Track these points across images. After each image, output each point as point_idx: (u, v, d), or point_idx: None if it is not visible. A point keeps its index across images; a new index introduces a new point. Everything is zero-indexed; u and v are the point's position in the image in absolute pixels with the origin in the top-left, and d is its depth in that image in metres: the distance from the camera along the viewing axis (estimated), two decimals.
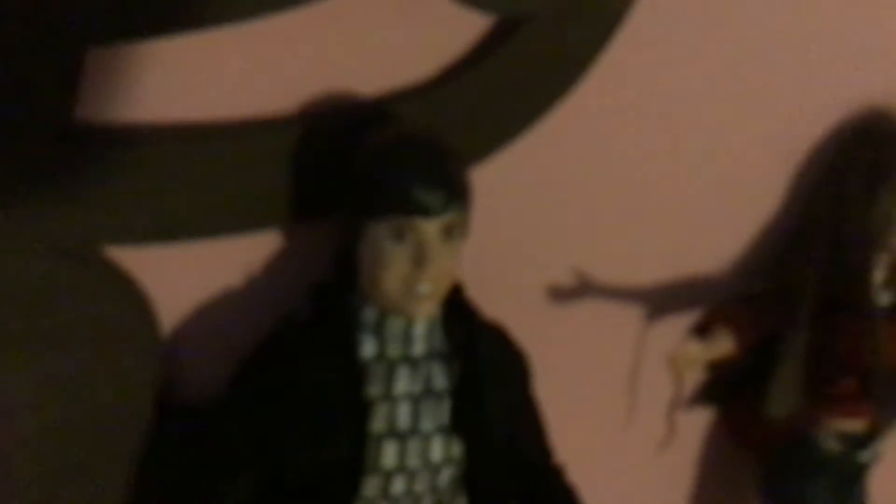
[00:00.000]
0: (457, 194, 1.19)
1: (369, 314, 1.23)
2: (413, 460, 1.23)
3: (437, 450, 1.24)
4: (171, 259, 1.25)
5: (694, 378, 1.65)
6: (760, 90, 1.54)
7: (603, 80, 1.39)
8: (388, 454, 1.22)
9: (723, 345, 1.54)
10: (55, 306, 1.20)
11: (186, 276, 1.28)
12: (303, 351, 1.23)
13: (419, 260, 1.17)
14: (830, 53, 1.56)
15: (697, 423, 1.71)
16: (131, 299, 1.24)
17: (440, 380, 1.24)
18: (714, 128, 1.53)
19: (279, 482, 1.22)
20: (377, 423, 1.21)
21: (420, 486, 1.24)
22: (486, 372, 1.26)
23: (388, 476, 1.22)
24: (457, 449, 1.25)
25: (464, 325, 1.27)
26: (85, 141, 1.17)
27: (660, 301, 1.58)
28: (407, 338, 1.23)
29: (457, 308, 1.26)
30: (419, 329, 1.23)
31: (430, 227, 1.17)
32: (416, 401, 1.23)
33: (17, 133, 1.12)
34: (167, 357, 1.28)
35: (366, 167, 1.20)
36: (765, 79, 1.54)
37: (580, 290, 1.52)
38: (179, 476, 1.26)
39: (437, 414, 1.24)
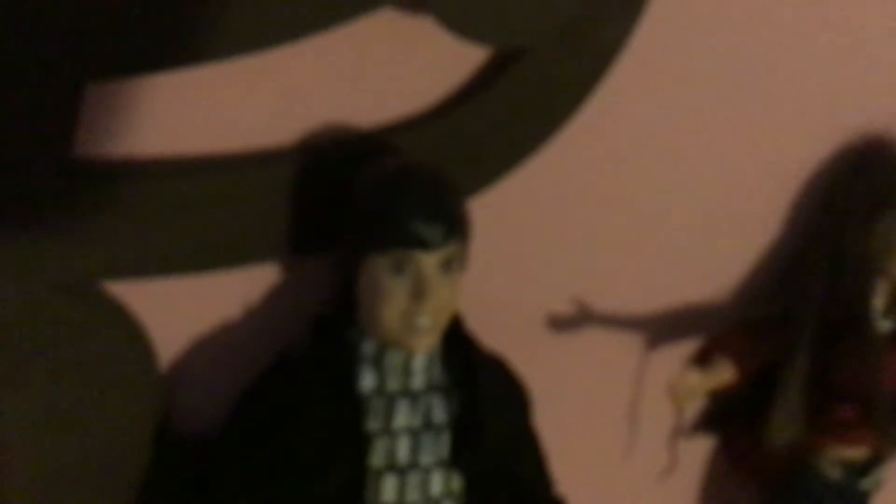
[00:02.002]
0: (456, 227, 1.19)
1: (368, 347, 1.23)
2: (413, 495, 1.22)
3: (436, 484, 1.23)
4: (170, 293, 1.24)
5: (694, 407, 1.64)
6: (760, 117, 1.54)
7: (601, 110, 1.39)
8: (388, 489, 1.21)
9: (723, 374, 1.53)
10: (53, 341, 1.20)
11: (185, 310, 1.27)
12: (301, 384, 1.22)
13: (418, 293, 1.17)
14: (830, 80, 1.57)
15: (698, 451, 1.70)
16: (130, 334, 1.23)
17: (440, 413, 1.24)
18: (712, 156, 1.54)
19: None
20: (377, 458, 1.21)
21: None
22: (485, 405, 1.25)
23: None
24: (456, 483, 1.24)
25: (463, 358, 1.26)
26: (83, 176, 1.17)
27: (660, 330, 1.58)
28: (406, 371, 1.22)
29: (456, 341, 1.26)
30: (419, 362, 1.22)
31: (429, 261, 1.17)
32: (415, 434, 1.22)
33: (15, 168, 1.12)
34: (166, 391, 1.28)
35: (364, 200, 1.20)
36: (764, 106, 1.54)
37: (580, 319, 1.52)
38: None
39: (436, 448, 1.23)
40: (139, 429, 1.26)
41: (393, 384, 1.22)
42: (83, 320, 1.20)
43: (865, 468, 1.61)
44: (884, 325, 1.56)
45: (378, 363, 1.22)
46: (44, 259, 1.17)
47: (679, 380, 1.50)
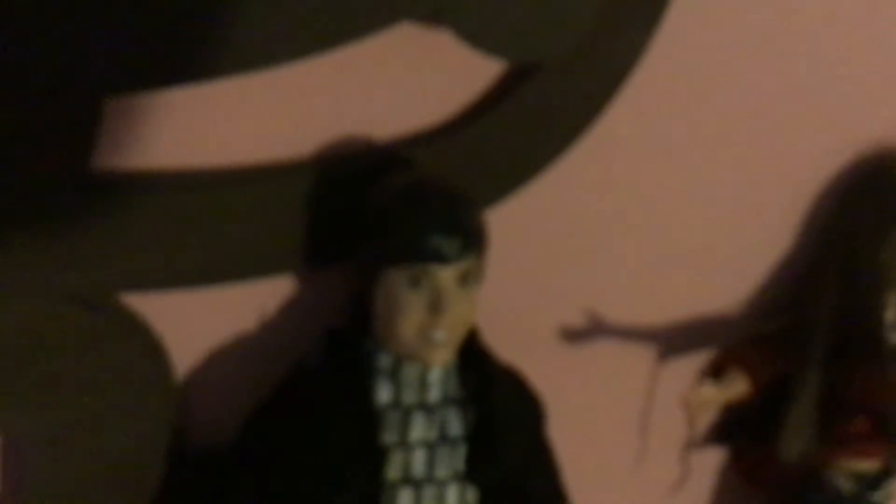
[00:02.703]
0: (472, 241, 1.19)
1: (384, 360, 1.22)
2: None
3: (452, 497, 1.23)
4: (186, 306, 1.24)
5: (707, 419, 1.64)
6: (772, 130, 1.54)
7: (616, 124, 1.39)
8: (404, 502, 1.21)
9: (737, 386, 1.53)
10: (69, 353, 1.20)
11: (200, 322, 1.27)
12: (317, 397, 1.22)
13: (435, 307, 1.17)
14: (844, 92, 1.57)
15: (709, 463, 1.70)
16: (145, 346, 1.23)
17: (455, 426, 1.24)
18: (726, 169, 1.54)
19: None
20: (392, 471, 1.21)
21: None
22: (501, 418, 1.25)
23: None
24: (472, 496, 1.24)
25: (479, 372, 1.26)
26: (101, 189, 1.17)
27: (672, 342, 1.58)
28: (422, 384, 1.22)
29: (472, 354, 1.26)
30: (435, 375, 1.22)
31: (446, 275, 1.17)
32: (431, 448, 1.22)
33: (34, 181, 1.12)
34: (181, 404, 1.28)
35: (380, 214, 1.20)
36: (776, 119, 1.54)
37: (593, 331, 1.52)
38: None
39: (452, 461, 1.23)
40: (154, 441, 1.26)
41: (409, 397, 1.22)
42: (99, 332, 1.20)
43: (877, 481, 1.61)
44: (895, 339, 1.55)
45: (394, 376, 1.22)
46: (61, 271, 1.17)
47: (693, 392, 1.50)
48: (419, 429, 1.22)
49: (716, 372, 1.58)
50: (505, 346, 1.32)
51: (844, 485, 1.60)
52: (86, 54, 1.08)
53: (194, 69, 1.13)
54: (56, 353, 1.19)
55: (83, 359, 1.20)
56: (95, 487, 1.25)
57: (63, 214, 1.15)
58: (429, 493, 1.22)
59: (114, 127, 1.16)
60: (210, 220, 1.22)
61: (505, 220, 1.34)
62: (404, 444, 1.21)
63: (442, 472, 1.22)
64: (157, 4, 1.08)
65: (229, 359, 1.30)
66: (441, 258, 1.16)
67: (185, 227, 1.21)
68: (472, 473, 1.23)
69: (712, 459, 1.70)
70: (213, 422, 1.30)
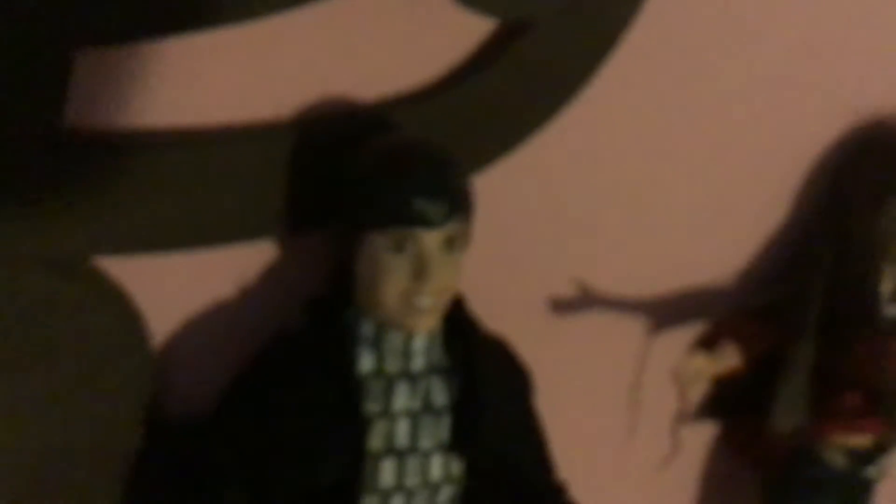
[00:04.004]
0: (459, 205, 1.16)
1: (367, 328, 1.20)
2: (412, 479, 1.20)
3: (436, 468, 1.21)
4: (162, 270, 1.21)
5: (698, 392, 1.63)
6: (765, 99, 1.52)
7: (606, 88, 1.36)
8: (387, 473, 1.19)
9: (729, 358, 1.52)
10: (42, 319, 1.16)
11: (178, 287, 1.24)
12: (298, 366, 1.20)
13: (419, 273, 1.14)
14: (836, 64, 1.54)
15: (700, 438, 1.68)
16: (121, 311, 1.20)
17: (440, 396, 1.21)
18: (718, 138, 1.51)
19: (273, 502, 1.19)
20: (375, 441, 1.18)
21: None
22: (486, 388, 1.23)
23: (386, 495, 1.19)
24: (456, 467, 1.22)
25: (464, 340, 1.23)
26: (74, 148, 1.13)
27: (664, 313, 1.56)
28: (406, 352, 1.20)
29: (457, 322, 1.23)
30: (419, 343, 1.20)
31: (431, 239, 1.14)
32: (414, 417, 1.20)
33: (3, 140, 1.09)
34: (157, 371, 1.25)
35: (364, 177, 1.17)
36: (770, 88, 1.52)
37: (583, 302, 1.50)
38: (169, 495, 1.23)
39: (436, 431, 1.21)
40: (130, 409, 1.23)
41: (392, 366, 1.20)
42: (73, 297, 1.17)
43: (870, 456, 1.60)
44: (890, 311, 1.54)
45: (377, 344, 1.19)
46: (32, 234, 1.13)
47: (684, 363, 1.50)
48: (402, 398, 1.19)
49: (708, 344, 1.56)
50: (492, 317, 1.30)
51: (837, 460, 1.59)
52: (56, 4, 1.04)
53: (171, 21, 1.09)
54: (29, 320, 1.16)
55: (57, 325, 1.17)
56: (71, 456, 1.22)
57: (34, 175, 1.11)
58: (412, 463, 1.20)
59: (86, 82, 1.12)
60: (187, 183, 1.19)
61: (493, 185, 1.31)
62: (387, 414, 1.19)
63: (426, 442, 1.20)
64: None
65: (208, 326, 1.27)
66: (426, 222, 1.13)
67: (161, 190, 1.18)
68: (456, 444, 1.21)
69: (704, 434, 1.68)
70: (192, 390, 1.28)
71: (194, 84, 1.18)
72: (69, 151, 1.13)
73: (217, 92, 1.20)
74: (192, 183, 1.19)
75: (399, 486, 1.19)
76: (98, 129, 1.16)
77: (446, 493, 1.22)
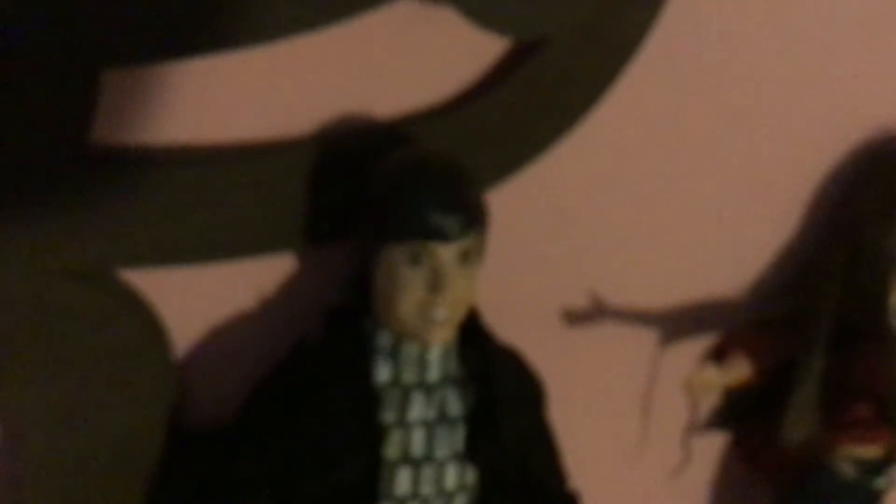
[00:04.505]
0: (474, 219, 1.18)
1: (384, 339, 1.22)
2: (427, 488, 1.22)
3: (451, 477, 1.23)
4: (185, 282, 1.24)
5: (709, 403, 1.64)
6: (777, 112, 1.53)
7: (621, 103, 1.38)
8: (402, 481, 1.21)
9: (740, 370, 1.52)
10: (67, 330, 1.19)
11: (200, 299, 1.27)
12: (316, 376, 1.22)
13: (435, 285, 1.16)
14: (850, 75, 1.55)
15: (711, 448, 1.69)
16: (144, 323, 1.23)
17: (455, 406, 1.23)
18: (731, 151, 1.52)
19: None
20: (391, 450, 1.20)
21: None
22: (501, 398, 1.24)
23: (402, 503, 1.21)
24: (471, 476, 1.24)
25: (479, 351, 1.25)
26: (100, 163, 1.16)
27: (675, 325, 1.57)
28: (422, 363, 1.22)
29: (472, 333, 1.25)
30: (434, 354, 1.22)
31: (446, 252, 1.16)
32: (430, 427, 1.22)
33: (32, 154, 1.12)
34: (180, 381, 1.27)
35: (381, 190, 1.19)
36: (782, 100, 1.53)
37: (595, 313, 1.51)
38: (191, 502, 1.25)
39: (451, 441, 1.23)
40: (152, 419, 1.25)
41: (408, 376, 1.22)
42: (97, 308, 1.20)
43: (880, 467, 1.60)
44: None
45: (393, 355, 1.21)
46: (58, 247, 1.16)
47: (696, 375, 1.50)
48: (418, 408, 1.21)
49: (718, 356, 1.57)
50: (506, 328, 1.32)
51: (847, 471, 1.59)
52: (85, 24, 1.07)
53: (194, 42, 1.12)
54: (53, 331, 1.18)
55: (81, 336, 1.20)
56: (93, 466, 1.24)
57: (60, 189, 1.14)
58: (428, 472, 1.21)
59: (112, 100, 1.15)
60: (210, 196, 1.21)
61: (508, 200, 1.33)
62: (403, 423, 1.21)
63: (441, 451, 1.22)
64: None
65: (229, 336, 1.30)
66: (442, 236, 1.15)
67: (184, 203, 1.20)
68: (471, 453, 1.23)
69: (714, 444, 1.69)
70: (213, 400, 1.30)
71: (217, 101, 1.21)
72: (95, 167, 1.16)
73: (239, 109, 1.23)
74: (214, 197, 1.21)
75: (415, 495, 1.21)
76: (123, 145, 1.19)
77: (461, 501, 1.24)
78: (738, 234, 1.58)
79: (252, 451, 1.22)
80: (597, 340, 1.53)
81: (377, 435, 1.20)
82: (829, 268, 1.55)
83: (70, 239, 1.16)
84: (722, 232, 1.57)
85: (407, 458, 1.21)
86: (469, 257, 1.18)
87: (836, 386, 1.54)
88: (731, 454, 1.71)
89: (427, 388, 1.22)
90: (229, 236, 1.23)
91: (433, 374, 1.22)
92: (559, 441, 1.37)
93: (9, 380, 1.19)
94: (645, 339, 1.57)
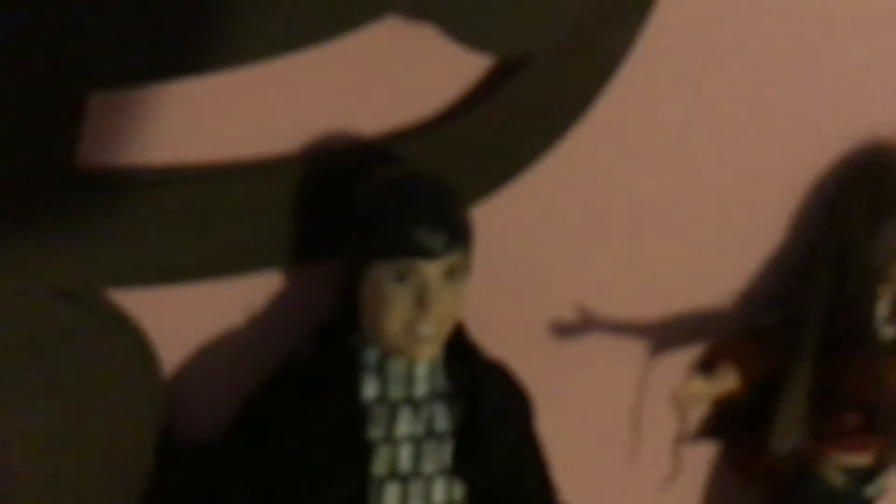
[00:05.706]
0: (459, 236, 1.19)
1: (371, 355, 1.23)
2: (415, 503, 1.22)
3: (439, 492, 1.23)
4: (173, 301, 1.25)
5: (698, 413, 1.64)
6: (763, 123, 1.54)
7: (604, 118, 1.39)
8: (390, 497, 1.21)
9: (727, 380, 1.53)
10: (56, 349, 1.20)
11: (188, 317, 1.28)
12: (304, 392, 1.23)
13: (421, 302, 1.17)
14: (835, 86, 1.56)
15: (702, 458, 1.70)
16: (133, 342, 1.24)
17: (442, 421, 1.24)
18: (716, 163, 1.53)
19: None
20: (379, 466, 1.21)
21: None
22: (488, 413, 1.25)
23: None
24: (459, 491, 1.24)
25: (466, 366, 1.26)
26: (87, 185, 1.17)
27: (663, 336, 1.58)
28: (409, 379, 1.22)
29: (459, 348, 1.26)
30: (421, 370, 1.23)
31: (432, 269, 1.17)
32: (417, 443, 1.22)
33: (19, 177, 1.12)
34: (169, 399, 1.28)
35: (367, 208, 1.20)
36: (767, 112, 1.54)
37: (583, 326, 1.52)
38: None
39: (439, 456, 1.23)
40: (142, 436, 1.26)
41: (395, 392, 1.22)
42: (86, 328, 1.21)
43: (869, 475, 1.61)
44: (888, 332, 1.55)
45: (380, 371, 1.22)
46: (47, 266, 1.17)
47: (683, 386, 1.50)
48: (406, 424, 1.22)
49: (706, 366, 1.57)
50: (494, 342, 1.32)
51: (836, 479, 1.60)
52: (71, 48, 1.07)
53: (181, 64, 1.13)
54: (42, 349, 1.19)
55: (69, 354, 1.20)
56: (84, 483, 1.25)
57: (48, 210, 1.15)
58: (416, 487, 1.22)
59: (99, 122, 1.16)
60: (198, 216, 1.22)
61: (493, 215, 1.34)
62: (391, 439, 1.22)
63: (429, 466, 1.23)
64: None
65: (217, 354, 1.30)
66: (427, 253, 1.16)
67: (172, 223, 1.21)
68: (459, 468, 1.23)
69: (705, 453, 1.70)
70: (201, 417, 1.31)
71: (203, 122, 1.22)
72: (82, 188, 1.16)
73: (224, 129, 1.23)
74: (202, 217, 1.22)
75: None
76: (110, 167, 1.20)
77: None
78: (725, 246, 1.59)
79: (241, 468, 1.23)
80: (586, 353, 1.53)
81: (365, 451, 1.20)
82: (816, 277, 1.56)
83: (58, 260, 1.17)
84: (709, 243, 1.57)
85: (395, 474, 1.21)
86: (455, 273, 1.19)
87: (824, 395, 1.55)
88: (722, 463, 1.71)
89: (414, 404, 1.23)
90: (216, 255, 1.24)
91: (420, 389, 1.23)
92: (548, 453, 1.37)
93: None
94: (633, 350, 1.57)
